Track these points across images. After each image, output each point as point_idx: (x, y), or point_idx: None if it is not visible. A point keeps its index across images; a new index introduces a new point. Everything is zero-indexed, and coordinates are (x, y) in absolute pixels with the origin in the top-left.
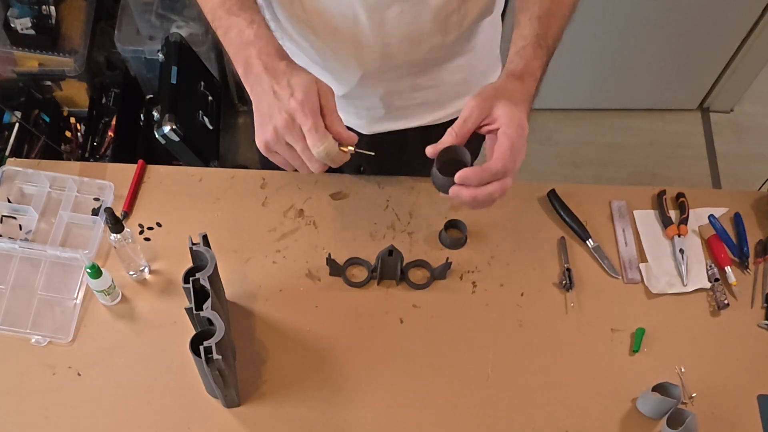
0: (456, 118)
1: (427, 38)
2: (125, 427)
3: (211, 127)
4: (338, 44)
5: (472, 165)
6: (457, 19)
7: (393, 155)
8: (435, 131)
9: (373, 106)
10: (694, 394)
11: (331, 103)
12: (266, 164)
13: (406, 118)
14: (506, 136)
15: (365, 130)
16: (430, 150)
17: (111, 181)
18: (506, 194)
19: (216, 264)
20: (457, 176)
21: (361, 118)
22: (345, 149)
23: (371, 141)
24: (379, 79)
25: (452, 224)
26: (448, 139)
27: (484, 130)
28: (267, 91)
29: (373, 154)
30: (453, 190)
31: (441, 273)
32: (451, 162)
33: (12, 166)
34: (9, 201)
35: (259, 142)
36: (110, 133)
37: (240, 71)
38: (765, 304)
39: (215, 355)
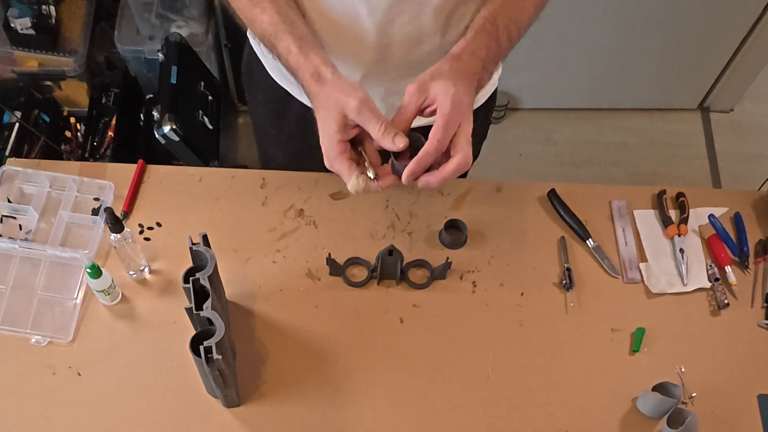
0: None
1: (427, 38)
2: (125, 427)
3: (211, 127)
4: (339, 44)
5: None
6: (457, 19)
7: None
8: None
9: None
10: (694, 394)
11: (368, 116)
12: (267, 164)
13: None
14: (439, 114)
15: None
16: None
17: (111, 181)
18: (470, 166)
19: (216, 264)
20: (404, 176)
21: None
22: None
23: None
24: (380, 79)
25: (452, 224)
26: (397, 141)
27: (427, 113)
28: (318, 122)
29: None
30: (421, 181)
31: (441, 273)
32: (409, 148)
33: (12, 166)
34: (9, 201)
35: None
36: (110, 133)
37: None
38: (765, 304)
39: (215, 355)
